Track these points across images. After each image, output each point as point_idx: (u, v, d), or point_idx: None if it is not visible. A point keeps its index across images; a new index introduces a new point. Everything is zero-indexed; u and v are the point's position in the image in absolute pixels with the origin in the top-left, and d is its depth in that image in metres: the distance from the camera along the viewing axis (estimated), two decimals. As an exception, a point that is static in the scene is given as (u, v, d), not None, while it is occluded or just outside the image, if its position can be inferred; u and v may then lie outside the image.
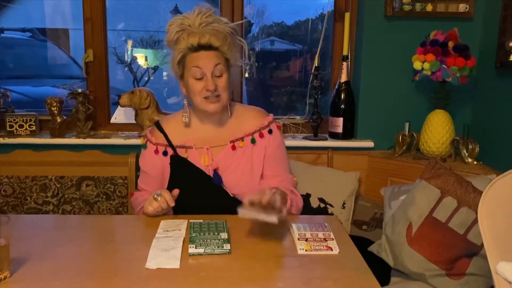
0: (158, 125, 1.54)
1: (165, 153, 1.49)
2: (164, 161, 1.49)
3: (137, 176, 2.09)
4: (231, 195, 1.46)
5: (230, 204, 1.43)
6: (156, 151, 1.49)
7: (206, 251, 1.15)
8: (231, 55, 1.45)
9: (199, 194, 1.45)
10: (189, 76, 1.42)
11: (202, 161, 1.46)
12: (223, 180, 1.46)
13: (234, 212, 1.40)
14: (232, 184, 1.46)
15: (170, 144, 1.49)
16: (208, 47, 1.40)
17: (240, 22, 1.54)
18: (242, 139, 1.48)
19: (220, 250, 1.16)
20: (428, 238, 1.48)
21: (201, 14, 1.41)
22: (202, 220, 1.32)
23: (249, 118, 1.52)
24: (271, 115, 1.56)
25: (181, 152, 1.48)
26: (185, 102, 1.49)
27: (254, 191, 1.40)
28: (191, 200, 1.44)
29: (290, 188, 1.50)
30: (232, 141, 1.48)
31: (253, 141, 1.49)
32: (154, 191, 1.46)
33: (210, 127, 1.50)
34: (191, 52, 1.41)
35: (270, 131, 1.51)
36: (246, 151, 1.48)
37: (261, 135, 1.50)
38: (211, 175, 1.45)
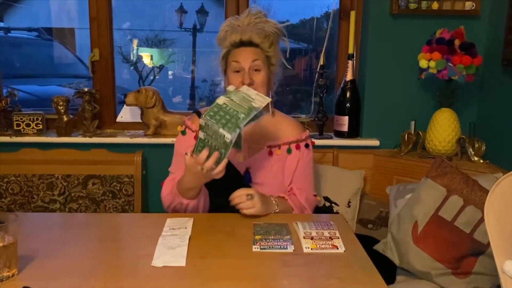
0: (198, 114, 1.54)
1: None
2: None
3: (143, 175, 2.11)
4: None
5: None
6: (196, 138, 1.50)
7: None
8: (273, 53, 1.50)
9: (227, 188, 1.46)
10: (229, 70, 1.48)
11: (237, 157, 1.49)
12: (253, 179, 1.48)
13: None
14: (262, 185, 1.47)
15: None
16: (248, 44, 1.47)
17: (286, 24, 1.57)
18: (279, 146, 1.51)
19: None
20: (434, 236, 1.48)
21: (251, 15, 1.50)
22: None
23: (288, 127, 1.56)
24: (308, 130, 1.61)
25: None
26: None
27: (280, 195, 1.48)
28: (217, 194, 1.46)
29: (303, 205, 1.50)
30: (270, 146, 1.51)
31: (289, 151, 1.52)
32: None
33: (249, 125, 1.51)
34: (233, 48, 1.48)
35: (306, 145, 1.55)
36: (281, 159, 1.51)
37: (298, 147, 1.54)
38: (242, 173, 1.48)
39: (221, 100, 1.24)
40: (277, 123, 1.55)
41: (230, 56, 1.49)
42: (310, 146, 1.58)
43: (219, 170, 1.26)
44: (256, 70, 1.45)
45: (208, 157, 1.24)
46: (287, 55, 1.60)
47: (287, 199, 1.49)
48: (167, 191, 1.47)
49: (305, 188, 1.54)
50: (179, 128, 1.57)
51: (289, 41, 1.62)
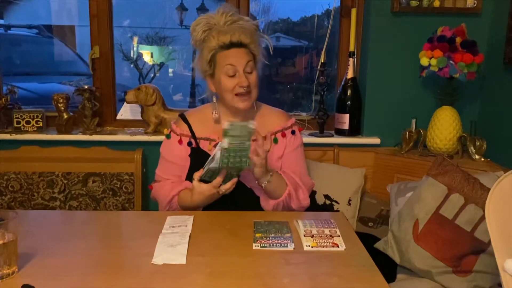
0: (183, 117, 1.56)
1: (189, 144, 1.52)
2: (188, 152, 1.52)
3: (143, 173, 2.11)
4: (248, 187, 1.49)
5: (248, 197, 1.48)
6: (180, 142, 1.52)
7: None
8: (258, 52, 1.50)
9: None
10: (221, 74, 1.45)
11: None
12: (241, 174, 1.48)
13: (252, 204, 1.46)
14: (250, 177, 1.48)
15: (193, 135, 1.52)
16: (239, 45, 1.44)
17: (259, 20, 1.58)
18: (264, 137, 1.50)
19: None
20: (435, 235, 1.47)
21: (225, 13, 1.46)
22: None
23: (273, 118, 1.57)
24: (294, 118, 1.61)
25: (205, 144, 1.51)
26: (214, 99, 1.53)
27: None
28: None
29: (298, 183, 1.50)
30: (255, 140, 1.49)
31: (275, 141, 1.53)
32: (177, 178, 1.51)
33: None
34: (222, 50, 1.45)
35: (293, 132, 1.56)
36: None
37: (284, 135, 1.54)
38: None
39: (224, 144, 1.28)
40: (262, 116, 1.56)
41: (219, 59, 1.45)
42: (297, 132, 1.58)
43: (228, 187, 1.35)
44: (249, 72, 1.45)
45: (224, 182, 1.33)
46: (271, 51, 1.57)
47: (281, 173, 1.49)
48: (164, 206, 1.51)
49: (297, 170, 1.54)
50: (165, 131, 1.58)
51: (289, 39, 1.63)
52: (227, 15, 1.45)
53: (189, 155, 1.51)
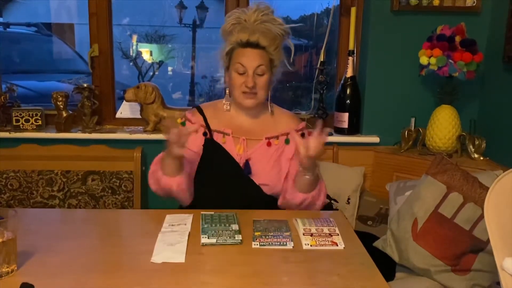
0: (199, 109, 1.58)
1: (205, 134, 1.53)
2: (202, 142, 1.53)
3: (142, 171, 2.11)
4: (258, 184, 1.49)
5: (255, 194, 1.48)
6: (196, 130, 1.52)
7: (218, 241, 1.17)
8: (277, 56, 1.51)
9: (226, 180, 1.49)
10: (232, 69, 1.48)
11: (237, 150, 1.50)
12: (252, 171, 1.49)
13: (259, 201, 1.46)
14: (261, 175, 1.49)
15: (208, 127, 1.53)
16: (255, 45, 1.46)
17: (297, 25, 1.58)
18: (277, 137, 1.54)
19: (232, 241, 1.18)
20: (434, 233, 1.48)
21: (258, 11, 1.48)
22: (213, 212, 1.34)
23: (285, 119, 1.59)
24: (304, 122, 1.64)
25: (218, 137, 1.52)
26: (227, 92, 1.56)
27: (279, 184, 1.49)
28: (217, 186, 1.48)
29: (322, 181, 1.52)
30: (268, 138, 1.53)
31: (287, 141, 1.54)
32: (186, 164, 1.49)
33: (248, 119, 1.55)
34: (239, 47, 1.48)
35: (303, 134, 1.57)
36: (279, 149, 1.53)
37: None
38: (242, 165, 1.49)
39: None
40: (274, 116, 1.58)
41: (234, 55, 1.48)
42: (307, 136, 1.58)
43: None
44: (259, 74, 1.47)
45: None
46: (292, 57, 1.60)
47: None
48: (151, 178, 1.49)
49: None
50: (179, 120, 1.58)
51: (289, 38, 1.64)
52: (260, 13, 1.48)
53: (203, 145, 1.52)
